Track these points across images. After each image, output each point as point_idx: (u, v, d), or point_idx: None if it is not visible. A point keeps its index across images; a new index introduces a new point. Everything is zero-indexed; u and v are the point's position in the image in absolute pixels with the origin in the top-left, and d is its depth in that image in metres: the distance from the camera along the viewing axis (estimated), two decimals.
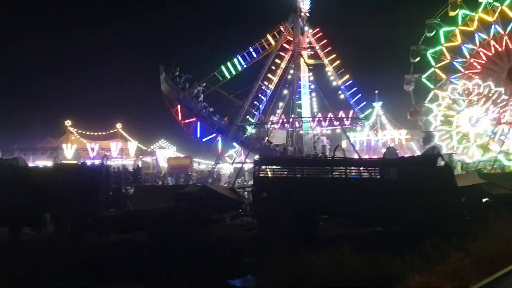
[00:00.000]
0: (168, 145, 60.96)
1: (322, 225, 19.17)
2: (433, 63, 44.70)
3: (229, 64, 44.17)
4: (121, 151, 45.54)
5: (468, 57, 44.75)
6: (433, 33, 44.12)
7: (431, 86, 44.36)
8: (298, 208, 17.14)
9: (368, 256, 11.84)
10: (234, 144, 43.48)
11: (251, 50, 44.37)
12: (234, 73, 44.27)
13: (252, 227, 19.82)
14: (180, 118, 43.07)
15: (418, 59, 44.43)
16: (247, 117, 44.10)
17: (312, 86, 45.05)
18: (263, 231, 17.68)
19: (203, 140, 42.53)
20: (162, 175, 43.69)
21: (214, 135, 42.38)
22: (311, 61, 45.40)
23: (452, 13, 43.95)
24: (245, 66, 44.28)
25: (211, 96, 44.50)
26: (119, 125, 51.12)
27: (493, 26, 44.09)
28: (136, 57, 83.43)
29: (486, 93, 41.17)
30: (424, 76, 44.59)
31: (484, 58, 44.43)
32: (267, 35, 44.50)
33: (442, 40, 44.47)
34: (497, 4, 43.42)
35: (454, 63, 44.98)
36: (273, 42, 44.35)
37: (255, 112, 44.04)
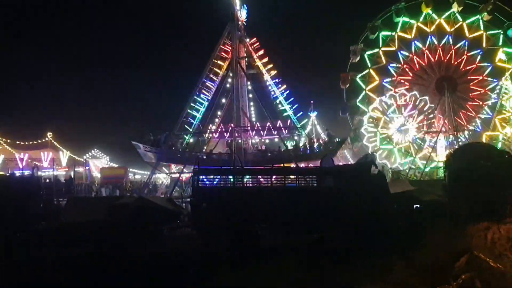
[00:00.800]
0: (101, 155, 58.86)
1: (263, 234, 19.08)
2: (369, 64, 46.27)
3: (196, 105, 43.66)
4: (52, 161, 43.60)
5: (402, 63, 46.78)
6: (375, 35, 45.74)
7: (364, 87, 45.92)
8: (238, 218, 16.96)
9: (313, 266, 11.82)
10: None
11: (206, 81, 44.06)
12: (204, 109, 43.81)
13: (191, 238, 19.38)
14: None
15: (358, 58, 45.82)
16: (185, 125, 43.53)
17: (251, 95, 45.28)
18: (203, 243, 17.33)
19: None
20: (96, 186, 42.06)
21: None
22: (250, 71, 45.62)
23: (396, 19, 45.85)
24: (210, 96, 43.84)
25: None
26: (49, 134, 48.86)
27: (429, 36, 46.50)
28: (66, 61, 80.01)
29: (413, 101, 43.32)
30: (359, 76, 46.04)
31: (417, 66, 46.68)
32: (214, 59, 44.30)
33: (368, 63, 46.20)
34: (435, 16, 45.87)
35: (389, 67, 46.84)
36: (219, 61, 44.25)
37: (192, 121, 43.51)
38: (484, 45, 45.69)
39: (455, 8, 44.94)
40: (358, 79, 46.09)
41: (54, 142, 48.96)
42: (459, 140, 42.17)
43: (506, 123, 45.22)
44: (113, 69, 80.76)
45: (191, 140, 43.01)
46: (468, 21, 45.56)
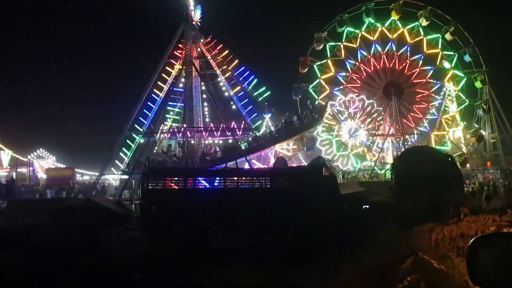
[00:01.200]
0: (47, 155, 56.67)
1: (214, 236, 18.94)
2: (319, 74, 47.23)
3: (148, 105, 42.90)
4: None
5: (350, 71, 48.02)
6: (321, 46, 46.66)
7: (316, 97, 46.79)
8: (189, 220, 16.75)
9: (264, 269, 11.80)
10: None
11: (158, 81, 43.47)
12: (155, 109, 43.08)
13: (140, 242, 18.96)
14: None
15: (307, 69, 46.65)
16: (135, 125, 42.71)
17: (204, 96, 45.00)
18: (152, 246, 16.98)
19: None
20: (40, 188, 40.48)
21: None
22: (203, 71, 45.32)
23: (339, 30, 46.93)
24: (162, 96, 43.29)
25: None
26: None
27: (373, 44, 47.97)
28: (10, 58, 76.72)
29: (362, 106, 44.57)
30: (311, 86, 46.94)
31: (364, 73, 48.01)
32: (167, 59, 43.76)
33: (328, 54, 47.25)
34: (378, 25, 47.35)
35: (338, 76, 47.96)
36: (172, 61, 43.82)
37: (144, 121, 42.77)
38: (425, 49, 47.72)
39: (394, 16, 46.61)
40: (310, 89, 47.12)
41: None
42: (408, 142, 43.68)
43: (452, 122, 47.42)
44: (65, 67, 78.19)
45: (142, 140, 42.16)
46: (408, 27, 47.51)
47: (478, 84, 46.32)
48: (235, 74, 44.87)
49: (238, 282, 11.36)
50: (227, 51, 45.08)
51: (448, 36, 46.30)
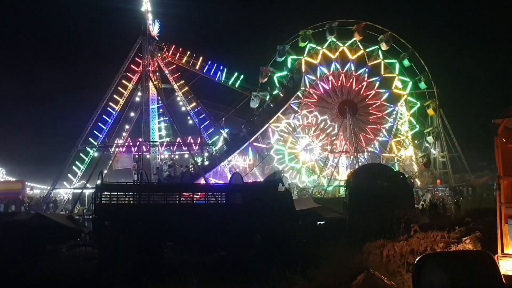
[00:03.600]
0: None
1: (168, 252, 18.69)
2: (277, 85, 47.62)
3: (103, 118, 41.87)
4: None
5: (308, 86, 48.80)
6: (283, 58, 47.23)
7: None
8: (143, 236, 16.45)
9: (215, 285, 11.72)
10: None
11: (114, 95, 42.58)
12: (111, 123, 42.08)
13: (91, 257, 18.46)
14: None
15: (266, 79, 47.01)
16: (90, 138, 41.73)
17: (161, 110, 44.59)
18: (104, 262, 16.54)
19: None
20: None
21: None
22: (160, 85, 45.00)
23: (301, 44, 47.66)
24: (118, 110, 42.33)
25: None
26: None
27: (333, 63, 49.02)
28: None
29: (316, 122, 45.47)
30: (269, 97, 47.20)
31: (322, 90, 48.94)
32: (124, 73, 43.08)
33: (289, 67, 47.82)
34: (340, 44, 48.48)
35: (291, 105, 48.42)
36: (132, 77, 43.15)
37: (99, 134, 41.85)
38: (382, 72, 49.23)
39: (356, 37, 47.95)
40: (267, 99, 47.25)
41: None
42: (359, 160, 44.65)
43: (401, 146, 48.86)
44: (16, 78, 75.28)
45: (96, 154, 41.22)
46: (368, 50, 48.85)
47: (430, 112, 48.11)
48: (203, 71, 44.68)
49: None
50: (189, 52, 45.06)
51: (406, 63, 47.98)
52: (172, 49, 44.72)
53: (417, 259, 2.80)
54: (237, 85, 45.28)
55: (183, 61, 44.68)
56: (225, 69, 45.49)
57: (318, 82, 48.95)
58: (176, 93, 45.00)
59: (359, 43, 48.69)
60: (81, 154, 41.56)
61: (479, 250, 9.54)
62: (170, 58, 44.89)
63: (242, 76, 45.84)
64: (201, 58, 45.16)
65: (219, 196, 19.44)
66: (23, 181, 44.11)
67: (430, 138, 48.76)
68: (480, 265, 2.91)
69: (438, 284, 2.63)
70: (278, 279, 11.33)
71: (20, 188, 41.65)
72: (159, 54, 44.85)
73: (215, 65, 45.37)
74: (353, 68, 49.39)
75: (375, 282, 8.91)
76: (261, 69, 46.99)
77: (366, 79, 49.32)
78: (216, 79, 44.83)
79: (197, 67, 44.79)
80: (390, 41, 47.55)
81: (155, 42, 44.68)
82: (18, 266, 16.54)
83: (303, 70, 48.01)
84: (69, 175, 41.64)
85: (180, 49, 45.05)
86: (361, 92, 49.20)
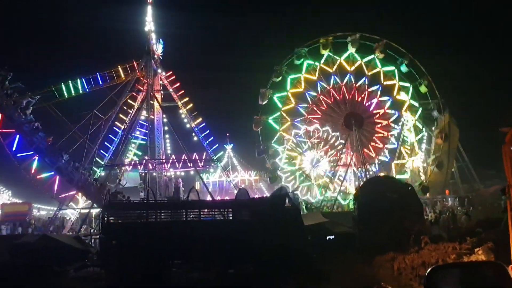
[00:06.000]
0: (3, 190, 54.55)
1: (176, 270, 18.52)
2: (280, 105, 47.68)
3: (70, 82, 41.10)
4: None
5: (311, 103, 48.77)
6: (280, 78, 47.31)
7: (277, 128, 47.15)
8: (150, 254, 16.34)
9: None
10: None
11: (98, 76, 42.09)
12: (73, 93, 41.03)
13: (99, 278, 18.32)
14: None
15: (266, 101, 47.04)
16: (96, 158, 41.72)
17: (166, 128, 44.73)
18: (111, 281, 16.42)
19: (17, 155, 36.83)
20: None
21: (32, 153, 37.33)
22: (165, 104, 45.21)
23: (297, 62, 47.83)
24: (87, 90, 41.63)
25: (43, 113, 39.77)
26: None
27: (332, 76, 49.07)
28: None
29: (325, 137, 45.31)
30: (271, 118, 47.25)
31: (325, 105, 48.88)
32: (118, 66, 42.91)
33: (288, 86, 47.88)
34: (336, 57, 48.60)
35: (299, 107, 48.59)
36: (122, 75, 42.83)
37: (105, 154, 41.93)
38: (382, 80, 49.21)
39: (351, 49, 48.07)
40: (271, 121, 47.34)
41: None
42: (369, 172, 44.37)
43: (411, 152, 48.56)
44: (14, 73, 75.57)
45: (103, 173, 41.24)
46: (365, 59, 48.93)
47: (422, 89, 47.72)
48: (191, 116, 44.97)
49: None
50: (184, 96, 45.39)
51: (403, 68, 47.97)
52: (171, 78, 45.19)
53: (428, 271, 2.70)
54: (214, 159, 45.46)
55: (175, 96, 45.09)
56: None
57: (320, 97, 48.89)
58: (181, 111, 45.15)
59: (355, 54, 48.85)
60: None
61: (492, 261, 9.37)
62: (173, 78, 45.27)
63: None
64: (191, 105, 45.60)
65: (226, 213, 19.35)
66: (29, 203, 44.07)
67: (438, 141, 48.36)
68: (494, 276, 2.81)
69: None
70: None
71: (27, 210, 41.58)
72: (163, 73, 45.15)
73: (200, 119, 45.82)
74: (352, 79, 49.41)
75: None
76: (261, 91, 47.09)
77: (367, 89, 49.33)
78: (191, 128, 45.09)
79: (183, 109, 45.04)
80: (386, 49, 47.66)
81: (159, 61, 45.03)
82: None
83: (303, 87, 48.12)
84: (76, 195, 41.61)
85: (176, 82, 45.45)
86: (364, 103, 49.14)
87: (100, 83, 41.94)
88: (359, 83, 49.29)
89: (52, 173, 35.92)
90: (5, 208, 42.34)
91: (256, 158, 49.04)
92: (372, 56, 48.44)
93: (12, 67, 35.81)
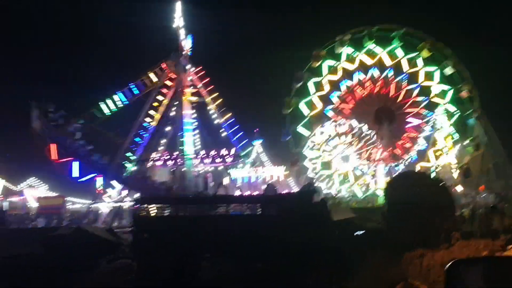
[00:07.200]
0: (39, 184, 56.16)
1: (205, 264, 18.76)
2: (306, 111, 47.13)
3: (108, 101, 42.42)
4: None
5: (344, 92, 48.17)
6: (300, 83, 46.84)
7: (306, 134, 46.72)
8: (180, 248, 16.62)
9: None
10: (114, 183, 41.39)
11: (132, 86, 43.08)
12: (114, 109, 42.51)
13: (131, 270, 18.73)
14: (53, 157, 39.59)
15: (291, 110, 46.73)
16: (128, 154, 42.59)
17: (195, 124, 45.10)
18: (142, 275, 16.78)
19: (80, 180, 39.24)
20: (31, 216, 40.02)
21: (94, 175, 39.68)
22: (194, 99, 45.55)
23: (339, 50, 47.11)
24: (127, 102, 42.81)
25: (90, 134, 41.46)
26: None
27: (371, 68, 48.27)
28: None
29: (354, 131, 44.78)
30: (300, 125, 46.88)
31: (352, 103, 48.24)
32: (148, 72, 43.66)
33: (312, 90, 47.34)
34: (378, 50, 47.66)
35: (332, 95, 48.03)
36: (154, 79, 43.62)
37: (136, 149, 42.71)
38: (421, 80, 47.93)
39: (396, 43, 47.07)
40: (301, 106, 46.92)
41: None
42: (397, 169, 43.68)
43: (441, 154, 47.28)
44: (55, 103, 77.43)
45: (135, 168, 42.03)
46: (408, 56, 47.69)
47: (463, 94, 46.02)
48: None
49: None
50: (214, 91, 45.42)
51: (446, 71, 46.57)
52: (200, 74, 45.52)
53: (449, 264, 2.67)
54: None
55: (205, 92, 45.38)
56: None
57: (355, 88, 48.21)
58: (210, 106, 45.45)
59: (398, 49, 47.64)
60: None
61: None
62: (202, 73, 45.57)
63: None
64: (220, 100, 45.50)
65: (254, 208, 19.48)
66: (63, 197, 45.29)
67: (469, 149, 47.00)
68: None
69: None
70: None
71: (61, 203, 42.76)
72: (192, 69, 45.50)
73: (229, 114, 45.50)
74: (391, 74, 48.37)
75: None
76: (295, 74, 46.78)
77: (404, 86, 48.23)
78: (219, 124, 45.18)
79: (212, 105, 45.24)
80: (431, 49, 46.34)
81: (188, 57, 45.37)
82: (60, 280, 16.98)
83: (340, 75, 47.46)
84: (108, 189, 42.61)
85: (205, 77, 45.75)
86: (399, 99, 48.17)
87: (137, 91, 43.14)
88: (398, 79, 48.21)
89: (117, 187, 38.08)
90: (41, 201, 43.66)
91: (285, 153, 49.02)
92: (416, 53, 47.16)
93: (46, 92, 38.29)
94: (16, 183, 51.37)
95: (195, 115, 44.70)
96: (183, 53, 44.92)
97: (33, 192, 51.18)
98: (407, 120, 48.30)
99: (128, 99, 42.72)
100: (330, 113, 47.72)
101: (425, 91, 48.01)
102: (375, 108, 48.07)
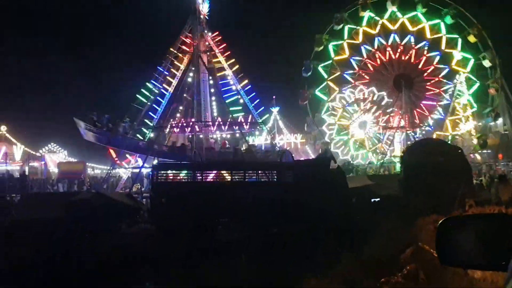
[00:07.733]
0: (58, 149, 57.28)
1: (222, 228, 19.15)
2: (325, 75, 46.74)
3: (144, 91, 42.72)
4: (5, 156, 42.10)
5: (357, 68, 47.59)
6: (321, 47, 46.25)
7: (325, 99, 46.47)
8: (197, 212, 16.95)
9: (265, 263, 11.96)
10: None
11: (161, 69, 43.23)
12: (152, 97, 42.96)
13: (150, 234, 19.23)
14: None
15: (310, 73, 46.29)
16: (145, 120, 43.06)
17: (212, 90, 45.05)
18: (161, 239, 17.23)
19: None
20: (52, 182, 40.97)
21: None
22: (211, 65, 45.35)
23: (361, 13, 46.14)
24: (161, 87, 43.14)
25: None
26: (3, 127, 47.21)
27: (376, 38, 47.49)
28: (18, 49, 76.92)
29: (372, 97, 44.36)
30: (318, 89, 46.55)
31: (371, 68, 47.60)
32: (171, 48, 43.56)
33: (332, 54, 46.74)
34: (400, 15, 46.75)
35: (345, 75, 47.59)
36: (180, 56, 43.62)
37: (154, 115, 43.07)
38: (443, 47, 46.89)
39: (391, 7, 45.97)
40: (320, 68, 46.51)
41: (8, 136, 47.33)
42: (414, 136, 43.43)
43: (459, 123, 46.74)
44: (71, 61, 78.20)
45: (152, 134, 42.45)
46: (431, 22, 46.61)
47: (491, 92, 45.19)
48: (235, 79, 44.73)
49: (238, 276, 11.51)
50: (231, 57, 44.87)
51: (448, 20, 45.45)
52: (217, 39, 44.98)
53: (441, 221, 2.69)
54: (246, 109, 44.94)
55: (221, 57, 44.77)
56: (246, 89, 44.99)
57: (366, 61, 47.52)
58: (227, 72, 45.25)
59: (421, 15, 46.53)
60: (137, 135, 42.90)
61: (504, 213, 9.13)
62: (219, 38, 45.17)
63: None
64: (236, 66, 44.97)
65: (270, 174, 19.65)
66: (84, 162, 46.12)
67: (489, 119, 46.29)
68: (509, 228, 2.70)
69: (467, 247, 2.51)
70: (327, 254, 11.41)
71: (82, 169, 43.53)
72: (209, 33, 45.10)
73: (246, 81, 44.98)
74: (412, 41, 47.38)
75: (424, 255, 8.79)
76: (316, 37, 46.19)
77: (425, 53, 47.26)
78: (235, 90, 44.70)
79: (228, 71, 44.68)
80: (455, 16, 45.12)
81: (205, 21, 44.90)
82: (82, 243, 17.54)
83: (361, 39, 46.77)
84: (127, 155, 43.25)
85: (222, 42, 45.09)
86: (419, 67, 47.34)
87: (167, 73, 43.43)
88: (419, 46, 47.30)
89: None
90: (61, 167, 44.49)
91: (303, 122, 48.91)
92: (439, 20, 46.06)
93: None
94: (36, 148, 52.46)
95: (211, 81, 44.59)
96: (201, 16, 44.44)
97: (54, 157, 52.26)
98: (426, 88, 47.63)
99: (160, 83, 43.08)
100: (349, 78, 47.29)
101: (446, 59, 47.13)
102: (394, 74, 47.45)
